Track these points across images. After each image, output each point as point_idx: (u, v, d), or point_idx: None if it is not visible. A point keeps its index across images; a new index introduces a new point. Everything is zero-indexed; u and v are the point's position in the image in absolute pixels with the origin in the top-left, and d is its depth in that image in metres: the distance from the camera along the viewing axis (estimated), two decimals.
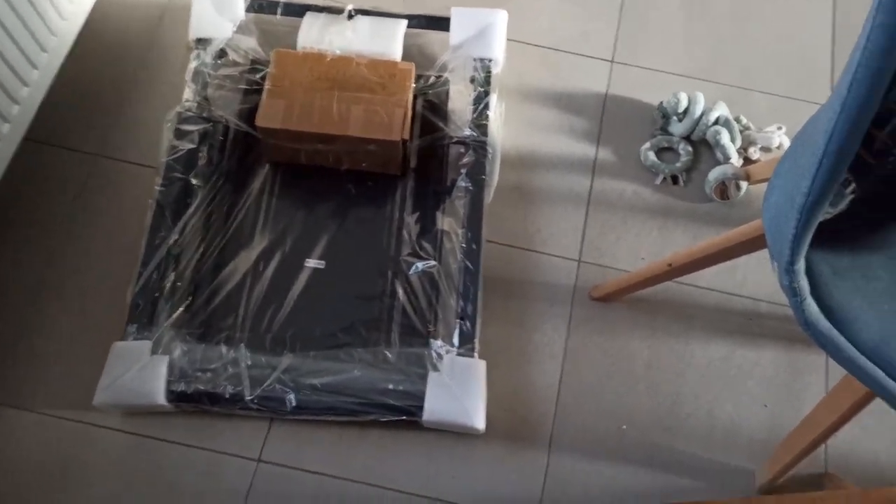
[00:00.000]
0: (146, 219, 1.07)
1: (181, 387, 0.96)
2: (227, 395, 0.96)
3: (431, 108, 1.22)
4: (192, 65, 1.16)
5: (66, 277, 1.10)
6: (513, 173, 1.22)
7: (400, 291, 1.08)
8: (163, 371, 0.95)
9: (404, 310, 1.07)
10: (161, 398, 0.95)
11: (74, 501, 0.98)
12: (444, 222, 1.13)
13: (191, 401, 0.96)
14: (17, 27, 0.97)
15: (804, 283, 0.68)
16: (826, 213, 0.71)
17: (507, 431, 1.04)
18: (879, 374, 0.64)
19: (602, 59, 1.33)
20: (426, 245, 1.12)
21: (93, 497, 0.98)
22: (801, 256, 0.67)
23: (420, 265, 1.10)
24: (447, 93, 1.23)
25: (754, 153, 1.24)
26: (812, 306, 0.68)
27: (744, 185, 1.19)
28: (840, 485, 1.01)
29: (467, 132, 1.16)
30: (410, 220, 1.14)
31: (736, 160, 1.21)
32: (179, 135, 1.11)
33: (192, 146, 1.11)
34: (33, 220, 1.13)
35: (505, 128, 1.24)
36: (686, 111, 1.24)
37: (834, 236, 0.73)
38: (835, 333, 0.67)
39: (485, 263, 1.12)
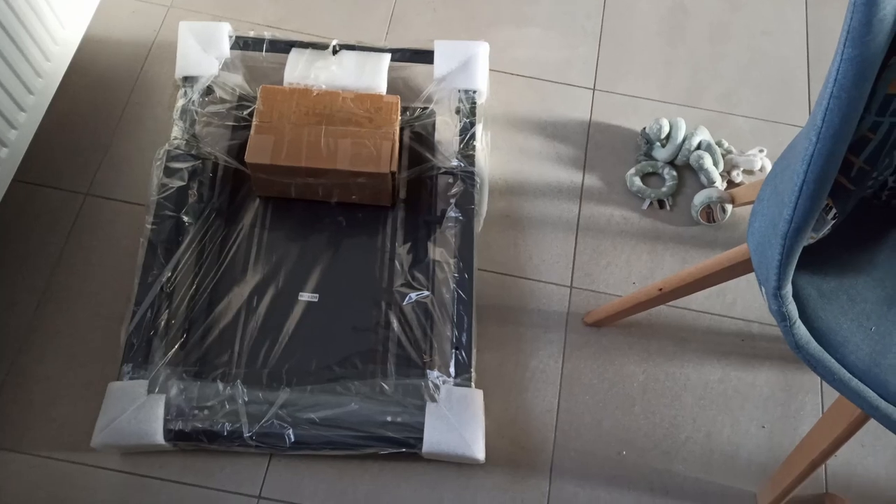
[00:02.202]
0: (138, 257, 1.07)
1: (179, 425, 0.96)
2: (226, 433, 0.96)
3: (418, 140, 1.24)
4: (180, 103, 1.17)
5: (58, 318, 1.09)
6: (502, 201, 1.23)
7: (394, 322, 1.09)
8: (160, 410, 0.95)
9: (399, 341, 1.07)
10: (159, 438, 0.94)
11: None
12: (436, 252, 1.14)
13: (189, 439, 0.96)
14: (2, 70, 0.97)
15: (792, 308, 0.70)
16: (809, 238, 0.73)
17: (507, 459, 1.04)
18: (871, 394, 0.66)
19: (584, 87, 1.36)
20: (419, 275, 1.12)
21: None
22: (788, 281, 0.69)
23: (413, 295, 1.11)
24: (433, 124, 1.25)
25: (737, 176, 1.26)
26: (801, 330, 0.69)
27: (729, 207, 1.21)
28: None
29: (455, 162, 1.17)
30: (402, 250, 1.15)
31: (720, 184, 1.24)
32: (169, 173, 1.12)
33: (181, 183, 1.11)
34: (24, 261, 1.13)
35: (492, 157, 1.26)
36: (668, 136, 1.26)
37: (819, 259, 0.75)
38: (825, 356, 0.68)
39: (478, 291, 1.13)
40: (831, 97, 0.58)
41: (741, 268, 0.85)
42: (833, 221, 0.71)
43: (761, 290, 0.71)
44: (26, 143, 1.06)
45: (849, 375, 0.67)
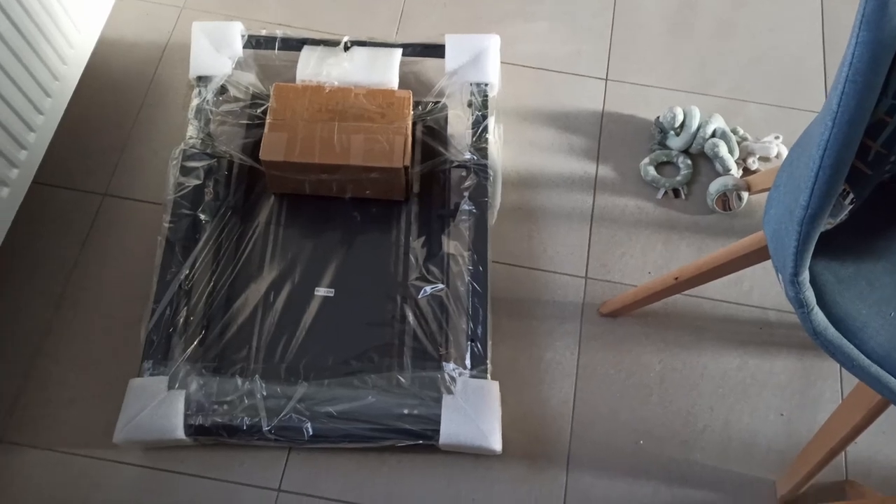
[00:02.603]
0: (156, 256, 1.08)
1: (199, 420, 0.97)
2: (245, 427, 0.97)
3: (431, 134, 1.24)
4: (194, 102, 1.18)
5: (77, 317, 1.11)
6: (515, 194, 1.23)
7: (410, 316, 1.09)
8: (180, 406, 0.96)
9: (415, 334, 1.08)
10: (180, 433, 0.95)
11: None
12: (450, 245, 1.14)
13: (209, 434, 0.97)
14: (21, 74, 0.99)
15: (810, 294, 0.69)
16: (826, 224, 0.72)
17: (524, 451, 1.05)
18: (891, 380, 0.65)
19: (596, 78, 1.35)
20: (433, 269, 1.13)
21: None
22: (805, 268, 0.68)
23: (428, 289, 1.11)
24: (446, 118, 1.25)
25: (753, 163, 1.25)
26: (819, 316, 0.69)
27: (745, 195, 1.20)
28: (862, 492, 1.01)
29: (468, 156, 1.17)
30: (416, 244, 1.15)
31: (735, 171, 1.23)
32: (185, 171, 1.13)
33: (197, 182, 1.13)
34: (43, 262, 1.15)
35: (505, 149, 1.26)
36: (682, 125, 1.25)
37: (836, 245, 0.74)
38: (844, 342, 0.68)
39: (493, 284, 1.13)
40: (847, 81, 0.58)
41: (757, 255, 0.84)
42: (850, 207, 0.71)
43: (778, 277, 0.71)
44: (45, 145, 1.07)
45: (868, 361, 0.67)
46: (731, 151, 1.23)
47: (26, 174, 1.04)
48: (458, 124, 1.24)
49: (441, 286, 1.11)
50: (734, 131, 1.27)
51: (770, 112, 1.32)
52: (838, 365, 1.12)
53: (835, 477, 1.06)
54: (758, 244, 0.83)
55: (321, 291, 1.11)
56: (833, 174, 0.61)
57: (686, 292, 1.16)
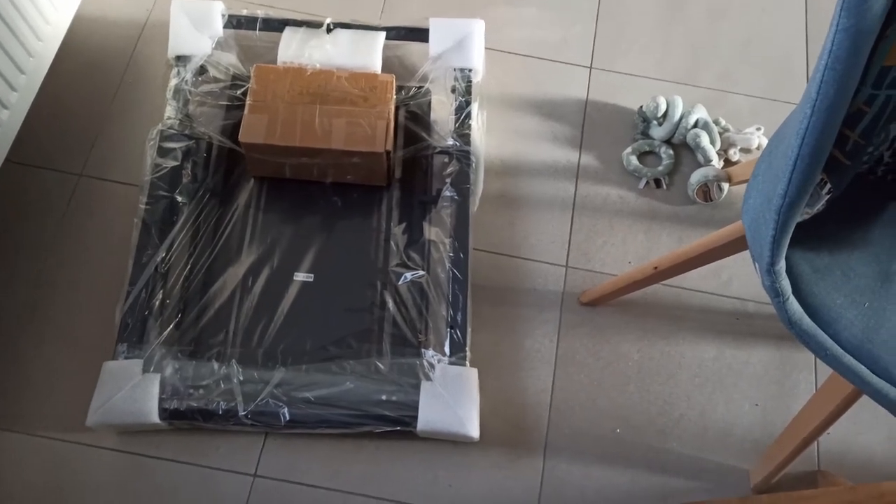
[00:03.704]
0: (132, 238, 1.07)
1: (174, 404, 0.96)
2: (221, 412, 0.96)
3: (414, 119, 1.23)
4: (173, 82, 1.16)
5: (53, 298, 1.09)
6: (498, 181, 1.23)
7: (389, 302, 1.09)
8: (155, 389, 0.95)
9: (394, 320, 1.07)
10: (154, 417, 0.94)
11: None
12: (431, 232, 1.14)
13: (184, 418, 0.96)
14: None
15: (786, 284, 0.70)
16: (804, 213, 0.73)
17: (502, 438, 1.05)
18: (864, 370, 0.66)
19: (581, 66, 1.35)
20: (414, 255, 1.12)
21: None
22: (782, 257, 0.68)
23: (409, 275, 1.10)
24: (429, 103, 1.24)
25: (734, 154, 1.26)
26: (794, 306, 0.69)
27: (725, 186, 1.21)
28: (833, 481, 1.03)
29: (450, 142, 1.17)
30: (397, 230, 1.14)
31: (717, 162, 1.23)
32: (162, 152, 1.11)
33: (175, 164, 1.11)
34: (18, 242, 1.13)
35: (488, 136, 1.25)
36: (665, 115, 1.25)
37: (813, 235, 0.75)
38: (818, 332, 0.68)
39: (473, 271, 1.13)
40: (826, 68, 0.58)
41: (736, 245, 0.85)
42: (827, 196, 0.71)
43: (755, 266, 0.71)
44: (18, 123, 1.05)
45: (841, 351, 0.67)
46: (712, 142, 1.24)
47: None
48: (442, 110, 1.23)
49: (421, 273, 1.11)
50: (716, 122, 1.27)
51: (753, 103, 1.33)
52: (813, 356, 1.13)
53: (807, 467, 1.07)
54: (736, 234, 0.83)
55: (300, 276, 1.10)
56: (811, 163, 0.61)
57: (665, 282, 1.16)
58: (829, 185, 0.70)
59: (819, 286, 0.71)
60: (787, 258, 0.70)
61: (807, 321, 0.69)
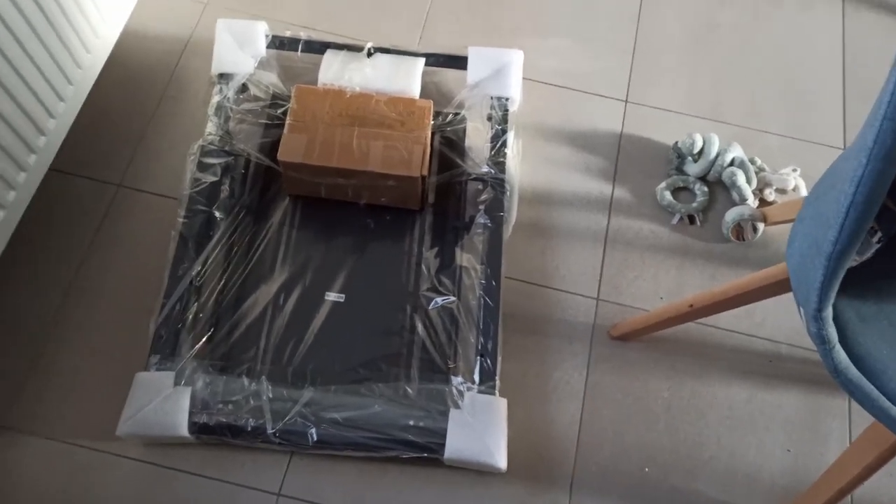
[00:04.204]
0: (169, 250, 1.07)
1: (203, 419, 0.96)
2: (250, 428, 0.96)
3: (449, 145, 1.24)
4: (215, 99, 1.18)
5: (85, 306, 1.10)
6: (530, 210, 1.23)
7: (419, 326, 1.08)
8: (186, 402, 0.95)
9: (424, 345, 1.07)
10: (184, 430, 0.94)
11: None
12: (463, 258, 1.14)
13: (213, 433, 0.96)
14: (45, 60, 0.99)
15: (832, 331, 0.69)
16: (853, 260, 0.72)
17: (527, 470, 1.04)
18: None
19: (616, 99, 1.35)
20: (445, 280, 1.12)
21: None
22: (829, 304, 0.68)
23: (439, 300, 1.10)
24: (464, 130, 1.25)
25: (770, 194, 1.25)
26: (841, 354, 0.68)
27: (761, 226, 1.20)
28: None
29: (485, 169, 1.17)
30: (429, 255, 1.15)
31: (752, 201, 1.22)
32: (202, 167, 1.12)
33: (214, 179, 1.12)
34: (55, 249, 1.14)
35: (522, 165, 1.25)
36: (701, 152, 1.25)
37: (859, 283, 0.74)
38: (865, 382, 0.67)
39: (503, 299, 1.12)
40: (884, 118, 0.57)
41: (776, 287, 0.84)
42: (878, 245, 0.70)
43: (800, 311, 0.70)
44: (64, 132, 1.07)
45: (888, 403, 0.66)
46: (748, 181, 1.23)
47: (44, 160, 1.03)
48: (477, 137, 1.24)
49: (452, 298, 1.10)
50: (752, 161, 1.27)
51: (787, 143, 1.32)
52: (847, 404, 1.12)
53: None
54: (778, 276, 0.82)
55: (332, 296, 1.10)
56: (864, 210, 0.61)
57: (698, 320, 1.15)
58: (879, 234, 0.70)
59: (865, 335, 0.70)
60: (832, 305, 0.69)
61: (853, 370, 0.68)
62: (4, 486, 0.99)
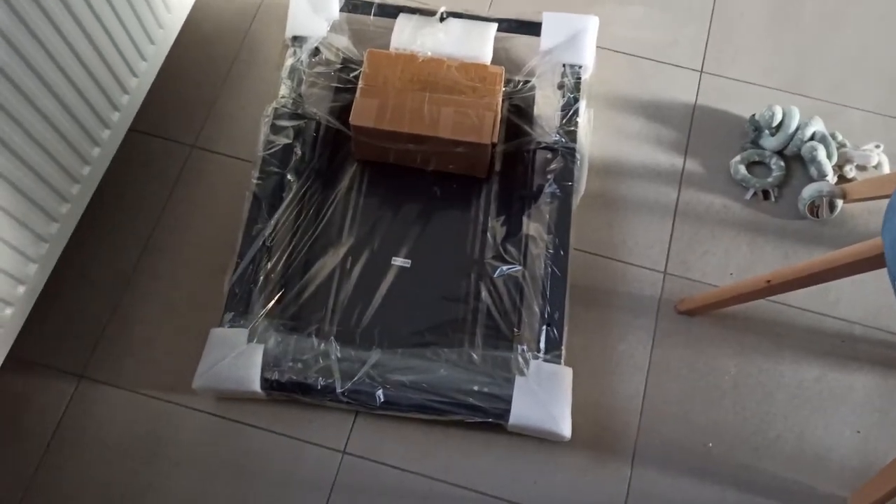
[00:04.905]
0: (243, 210, 1.09)
1: (275, 376, 0.98)
2: (319, 387, 0.98)
3: (518, 113, 1.22)
4: (289, 62, 1.19)
5: (162, 263, 1.13)
6: (598, 181, 1.21)
7: (484, 294, 1.09)
8: (259, 359, 0.97)
9: (489, 312, 1.07)
10: (256, 385, 0.97)
11: (163, 478, 1.01)
12: (530, 227, 1.13)
13: (283, 390, 0.98)
14: (130, 18, 1.01)
15: None
16: None
17: (589, 441, 1.04)
18: None
19: (691, 69, 1.31)
20: (511, 249, 1.12)
21: (181, 476, 1.01)
22: None
23: (505, 268, 1.10)
24: (533, 98, 1.23)
25: (850, 171, 1.21)
26: None
27: (839, 203, 1.16)
28: None
29: (555, 138, 1.15)
30: (495, 223, 1.14)
31: (831, 178, 1.18)
32: (275, 130, 1.14)
33: (287, 141, 1.13)
34: (132, 206, 1.17)
35: (592, 135, 1.23)
36: (780, 125, 1.21)
37: None
38: None
39: (569, 270, 1.11)
40: None
41: (865, 264, 0.81)
42: None
43: (894, 286, 0.68)
44: (144, 91, 1.09)
45: None
46: (829, 157, 1.19)
47: (126, 118, 1.06)
48: (546, 106, 1.22)
49: (518, 267, 1.10)
50: (832, 136, 1.22)
51: (867, 118, 1.27)
52: None
53: None
54: (868, 253, 0.80)
55: (398, 261, 1.11)
56: None
57: (768, 298, 1.12)
58: None
59: None
60: None
61: None
62: (81, 431, 1.03)
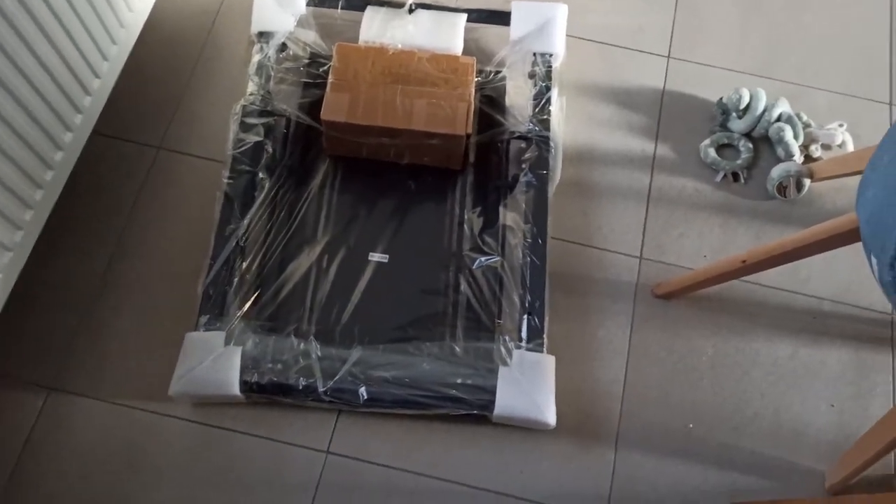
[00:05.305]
0: (214, 211, 1.07)
1: (255, 378, 0.97)
2: (301, 387, 0.96)
3: (490, 103, 1.22)
4: (256, 58, 1.17)
5: (131, 270, 1.11)
6: (572, 169, 1.22)
7: (464, 286, 1.08)
8: (237, 362, 0.96)
9: (469, 304, 1.07)
10: (235, 389, 0.95)
11: (144, 489, 0.98)
12: (507, 217, 1.13)
13: (264, 392, 0.97)
14: (90, 19, 0.98)
15: None
16: None
17: (573, 427, 1.04)
18: None
19: (658, 55, 1.32)
20: (489, 240, 1.12)
21: (162, 485, 0.99)
22: None
23: (483, 260, 1.10)
24: (505, 87, 1.23)
25: (816, 150, 1.23)
26: None
27: (807, 183, 1.18)
28: None
29: (529, 127, 1.15)
30: (472, 215, 1.14)
31: (798, 158, 1.20)
32: (245, 128, 1.12)
33: (258, 139, 1.11)
34: (98, 211, 1.14)
35: (564, 123, 1.23)
36: (748, 107, 1.23)
37: None
38: None
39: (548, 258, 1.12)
40: None
41: (839, 239, 0.83)
42: None
43: (870, 260, 0.69)
44: (107, 92, 1.06)
45: None
46: (795, 137, 1.21)
47: (89, 120, 1.03)
48: (518, 95, 1.22)
49: (496, 258, 1.10)
50: (798, 117, 1.25)
51: (833, 99, 1.29)
52: (892, 359, 1.11)
53: (883, 471, 1.05)
54: (843, 228, 0.81)
55: (375, 257, 1.10)
56: None
57: (742, 278, 1.14)
58: None
59: None
60: None
61: None
62: (53, 445, 1.00)
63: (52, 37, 0.90)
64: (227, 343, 0.98)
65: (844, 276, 1.16)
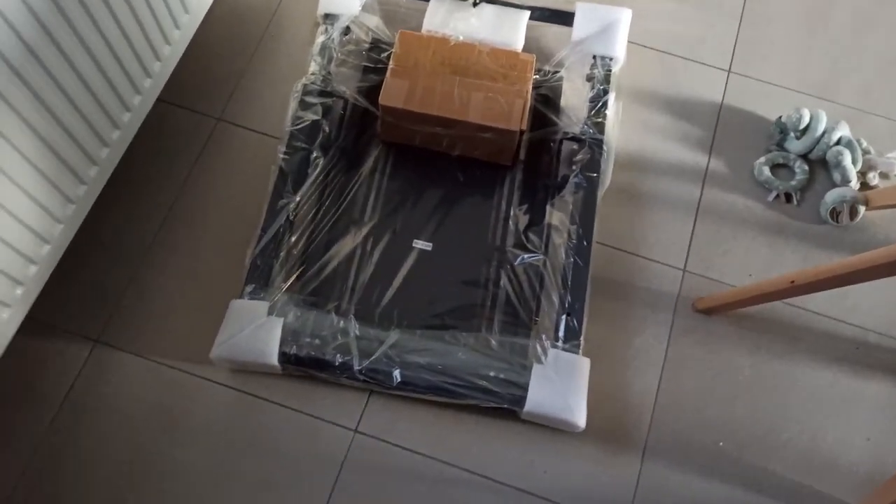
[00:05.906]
0: (268, 184, 1.09)
1: (293, 350, 0.98)
2: (337, 364, 0.98)
3: (545, 102, 1.22)
4: (320, 39, 1.19)
5: (184, 233, 1.13)
6: (622, 175, 1.21)
7: (504, 280, 1.09)
8: (278, 332, 0.97)
9: (508, 299, 1.07)
10: (274, 359, 0.97)
11: (175, 447, 1.01)
12: (554, 217, 1.13)
13: (301, 365, 0.98)
14: None
15: None
16: None
17: (601, 432, 1.04)
18: None
19: (719, 68, 1.31)
20: (533, 237, 1.12)
21: (193, 446, 1.01)
22: None
23: (526, 257, 1.10)
24: (561, 88, 1.23)
25: (873, 178, 1.20)
26: None
27: (861, 210, 1.16)
28: None
29: (583, 128, 1.15)
30: (518, 211, 1.14)
31: (855, 184, 1.18)
32: (304, 106, 1.13)
33: (315, 118, 1.13)
34: (154, 177, 1.17)
35: (618, 128, 1.23)
36: (807, 128, 1.21)
37: None
38: None
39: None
40: None
41: (892, 268, 0.81)
42: None
43: None
44: (176, 59, 1.09)
45: None
46: (854, 162, 1.19)
47: (157, 85, 1.06)
48: (574, 96, 1.22)
49: (539, 256, 1.10)
50: (858, 142, 1.22)
51: (895, 126, 1.27)
52: None
53: None
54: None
55: (419, 244, 1.11)
56: None
57: (786, 300, 1.13)
58: None
59: None
60: None
61: None
62: (94, 396, 1.03)
63: (131, 1, 0.93)
64: (269, 313, 1.00)
65: (893, 310, 1.14)
